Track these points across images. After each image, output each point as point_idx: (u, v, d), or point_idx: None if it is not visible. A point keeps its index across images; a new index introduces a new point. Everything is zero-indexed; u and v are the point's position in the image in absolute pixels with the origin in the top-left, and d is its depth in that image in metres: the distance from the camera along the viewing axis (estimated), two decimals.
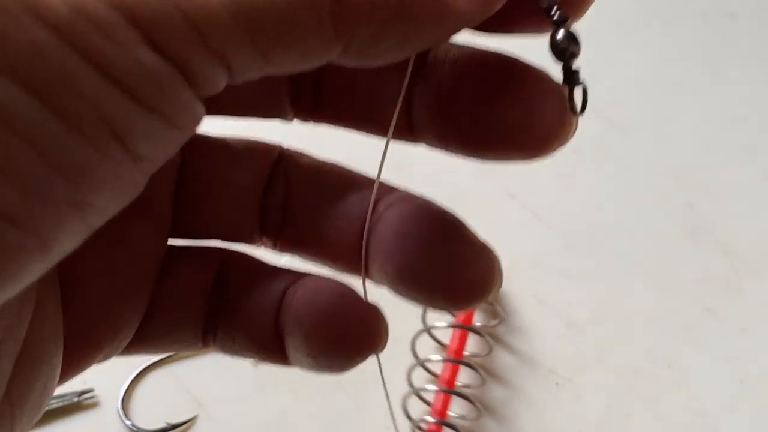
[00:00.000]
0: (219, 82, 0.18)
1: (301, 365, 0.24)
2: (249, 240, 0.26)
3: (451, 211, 0.23)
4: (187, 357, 0.41)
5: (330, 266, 0.25)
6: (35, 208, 0.16)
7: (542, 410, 0.40)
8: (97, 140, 0.16)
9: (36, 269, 0.17)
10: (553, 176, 0.46)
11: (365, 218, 0.24)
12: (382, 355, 0.25)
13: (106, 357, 0.24)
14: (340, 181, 0.25)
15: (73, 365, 0.22)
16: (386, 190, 0.25)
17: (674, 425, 0.40)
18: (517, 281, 0.43)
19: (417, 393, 0.38)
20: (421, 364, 0.39)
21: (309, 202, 0.25)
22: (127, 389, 0.40)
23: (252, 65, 0.18)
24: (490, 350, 0.40)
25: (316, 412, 0.40)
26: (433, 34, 0.19)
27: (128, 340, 0.24)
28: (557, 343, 0.42)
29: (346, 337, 0.24)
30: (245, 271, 0.25)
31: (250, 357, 0.25)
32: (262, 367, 0.41)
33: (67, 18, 0.15)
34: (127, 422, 0.39)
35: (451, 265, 0.23)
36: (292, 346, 0.24)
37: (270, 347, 0.24)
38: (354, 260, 0.24)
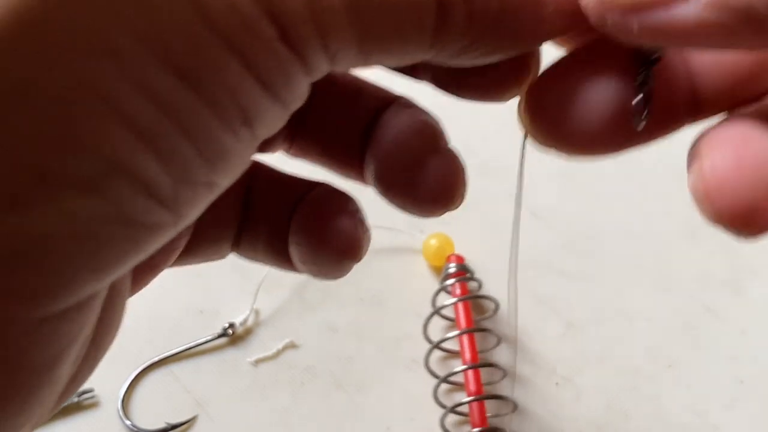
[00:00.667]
0: (323, 72, 0.19)
1: (304, 271, 0.26)
2: (273, 144, 0.27)
3: (434, 123, 0.25)
4: (187, 357, 0.41)
5: (334, 170, 0.27)
6: (181, 190, 0.18)
7: (542, 410, 0.40)
8: (234, 126, 0.18)
9: (165, 241, 0.18)
10: (553, 176, 0.46)
11: (367, 122, 0.26)
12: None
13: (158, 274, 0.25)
14: (351, 89, 0.27)
15: (133, 289, 0.24)
16: (392, 98, 0.26)
17: (674, 425, 0.40)
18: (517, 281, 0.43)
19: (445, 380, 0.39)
20: (437, 346, 0.40)
21: (321, 109, 0.27)
22: (127, 389, 0.40)
23: (353, 62, 0.19)
24: (498, 342, 0.41)
25: (316, 412, 0.40)
26: (521, 48, 0.21)
27: (176, 257, 0.26)
28: (557, 343, 0.42)
29: (337, 248, 0.26)
30: (266, 182, 0.27)
31: (269, 264, 0.27)
32: (262, 366, 0.41)
33: (222, 14, 0.17)
34: (127, 422, 0.39)
35: (419, 174, 0.25)
36: (294, 254, 0.26)
37: (284, 255, 0.26)
38: (355, 164, 0.26)
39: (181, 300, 0.42)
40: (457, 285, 0.41)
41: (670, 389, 0.41)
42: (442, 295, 0.42)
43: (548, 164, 0.46)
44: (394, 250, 0.44)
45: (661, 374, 0.41)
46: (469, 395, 0.39)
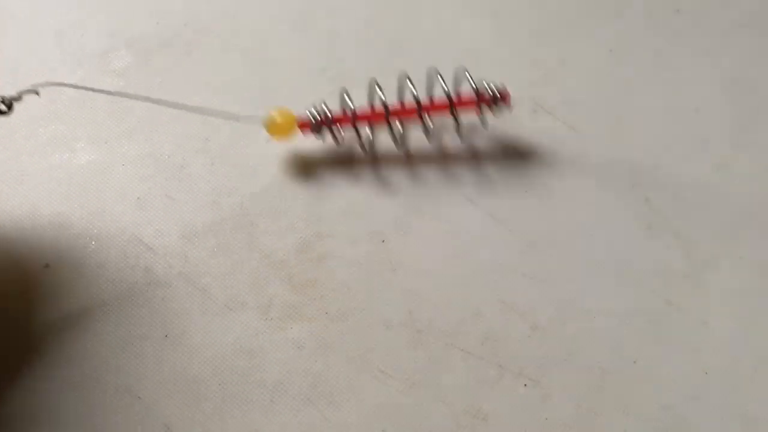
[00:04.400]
0: None
1: None
2: None
3: None
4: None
5: None
6: None
7: (511, 413, 0.40)
8: None
9: None
10: (511, 179, 0.47)
11: None
12: None
13: None
14: None
15: None
16: None
17: (642, 420, 0.40)
18: (481, 286, 0.43)
19: None
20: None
21: None
22: None
23: None
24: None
25: (287, 430, 0.40)
26: None
27: None
28: (523, 345, 0.42)
29: None
30: None
31: None
32: (230, 387, 0.40)
33: None
34: None
35: None
36: None
37: None
38: None
39: None
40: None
41: (637, 384, 0.41)
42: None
43: (506, 168, 0.47)
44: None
45: (627, 370, 0.41)
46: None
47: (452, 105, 0.43)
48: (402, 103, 0.45)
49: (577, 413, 0.40)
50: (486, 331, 0.42)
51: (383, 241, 0.44)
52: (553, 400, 0.41)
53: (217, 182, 0.46)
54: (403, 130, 0.45)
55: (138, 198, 0.44)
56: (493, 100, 0.44)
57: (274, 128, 0.44)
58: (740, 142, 0.49)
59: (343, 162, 0.46)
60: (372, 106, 0.45)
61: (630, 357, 0.42)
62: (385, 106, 0.43)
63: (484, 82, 0.44)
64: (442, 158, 0.47)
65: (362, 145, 0.45)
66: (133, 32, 0.50)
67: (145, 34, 0.50)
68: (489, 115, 0.44)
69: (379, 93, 0.44)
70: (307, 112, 0.44)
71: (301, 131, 0.45)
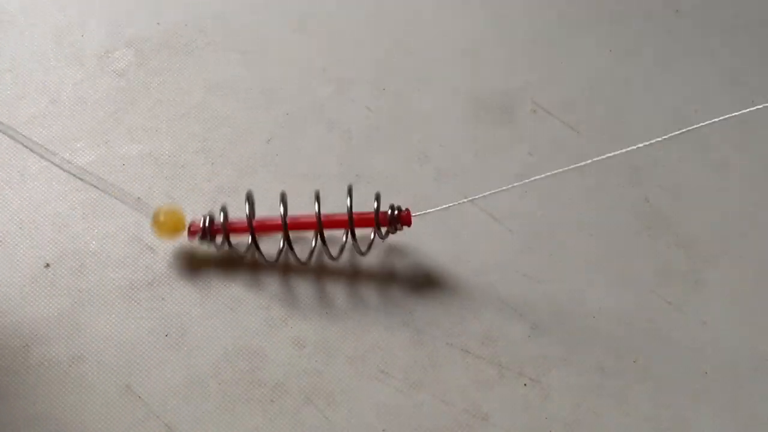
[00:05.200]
0: None
1: None
2: None
3: None
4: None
5: None
6: None
7: (512, 412, 0.40)
8: None
9: None
10: (510, 179, 0.47)
11: None
12: None
13: None
14: None
15: None
16: None
17: (642, 420, 0.40)
18: (480, 285, 0.43)
19: None
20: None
21: None
22: None
23: None
24: None
25: (287, 429, 0.40)
26: None
27: None
28: (523, 344, 0.42)
29: None
30: None
31: None
32: (231, 386, 0.40)
33: None
34: None
35: None
36: None
37: None
38: None
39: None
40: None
41: (637, 385, 0.41)
42: None
43: (505, 167, 0.47)
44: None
45: (627, 370, 0.41)
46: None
47: (351, 223, 0.42)
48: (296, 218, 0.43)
49: (577, 413, 0.40)
50: (486, 331, 0.42)
51: (383, 242, 0.44)
52: (553, 400, 0.41)
53: (217, 182, 0.46)
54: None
55: (138, 198, 0.44)
56: (391, 220, 0.42)
57: (159, 225, 0.42)
58: (740, 142, 0.49)
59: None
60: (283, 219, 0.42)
61: (630, 357, 0.42)
62: (283, 218, 0.42)
63: (391, 205, 0.42)
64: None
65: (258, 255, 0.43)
66: (133, 32, 0.50)
67: (145, 34, 0.50)
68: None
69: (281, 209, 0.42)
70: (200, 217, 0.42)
71: (189, 237, 0.43)
